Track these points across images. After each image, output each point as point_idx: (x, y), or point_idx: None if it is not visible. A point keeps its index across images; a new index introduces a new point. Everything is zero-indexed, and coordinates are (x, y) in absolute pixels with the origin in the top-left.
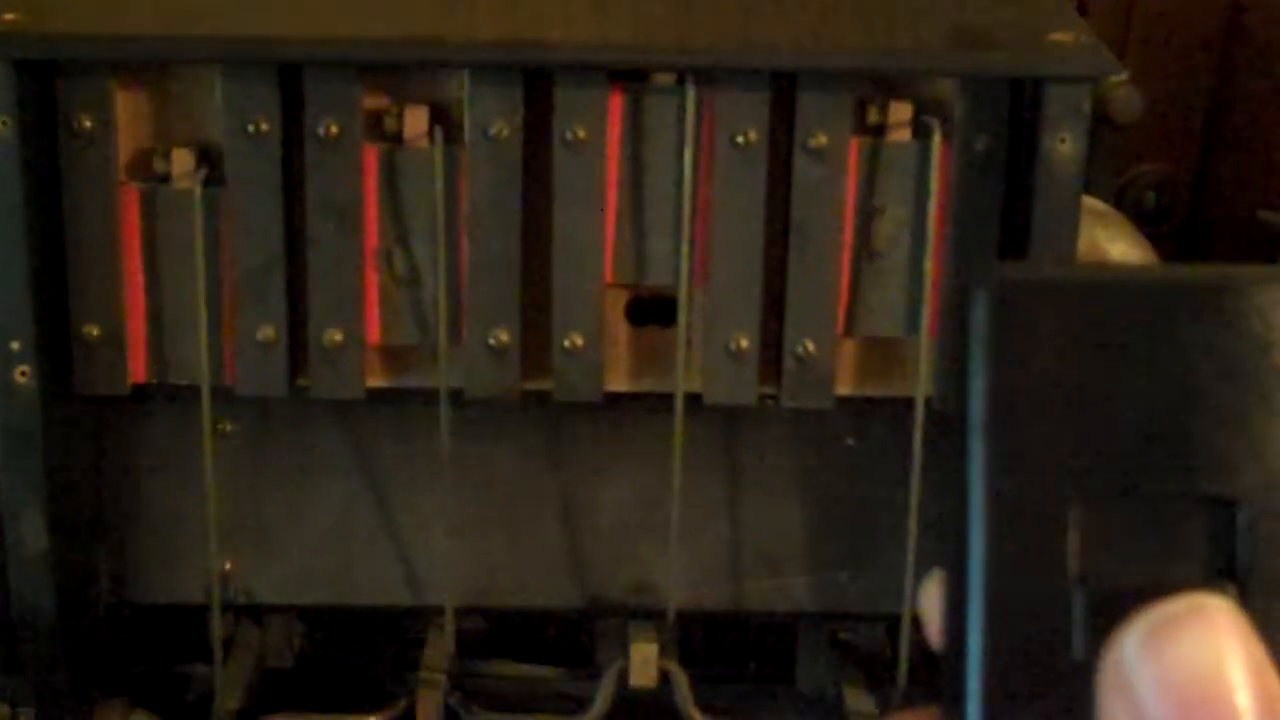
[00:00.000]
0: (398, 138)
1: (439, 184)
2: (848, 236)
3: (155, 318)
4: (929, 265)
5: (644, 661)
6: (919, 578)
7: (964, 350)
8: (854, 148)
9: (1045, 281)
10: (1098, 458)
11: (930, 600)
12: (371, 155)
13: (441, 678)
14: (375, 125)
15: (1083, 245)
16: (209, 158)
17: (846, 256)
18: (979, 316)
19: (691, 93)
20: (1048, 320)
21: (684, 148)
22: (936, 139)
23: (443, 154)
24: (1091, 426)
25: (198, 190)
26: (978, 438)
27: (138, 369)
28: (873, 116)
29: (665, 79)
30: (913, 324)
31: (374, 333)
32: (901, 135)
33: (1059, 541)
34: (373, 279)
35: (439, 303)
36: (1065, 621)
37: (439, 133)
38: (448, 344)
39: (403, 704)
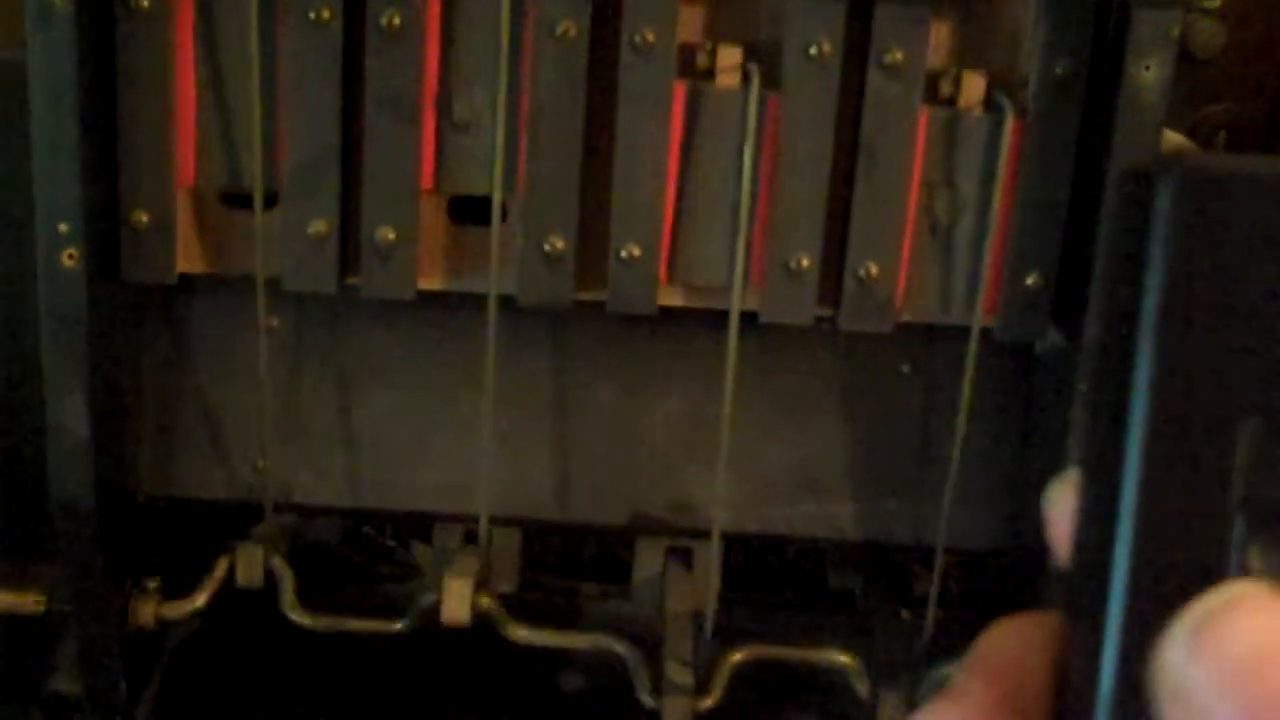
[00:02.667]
0: None
1: (505, 22)
2: (918, 161)
3: (205, 204)
4: (990, 243)
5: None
6: (954, 510)
7: (1140, 243)
8: (924, 118)
9: (1237, 174)
10: (1275, 371)
11: (1060, 503)
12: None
13: (472, 572)
14: None
15: None
16: (272, 41)
17: (915, 180)
18: (1161, 208)
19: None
20: (1236, 218)
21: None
22: (1009, 117)
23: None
24: (1273, 337)
25: (255, 54)
26: (1149, 338)
27: (186, 257)
28: (945, 89)
29: None
30: (970, 302)
31: (428, 179)
32: (974, 109)
33: (1225, 457)
34: (430, 124)
35: (496, 151)
36: (1223, 542)
37: None
38: (500, 242)
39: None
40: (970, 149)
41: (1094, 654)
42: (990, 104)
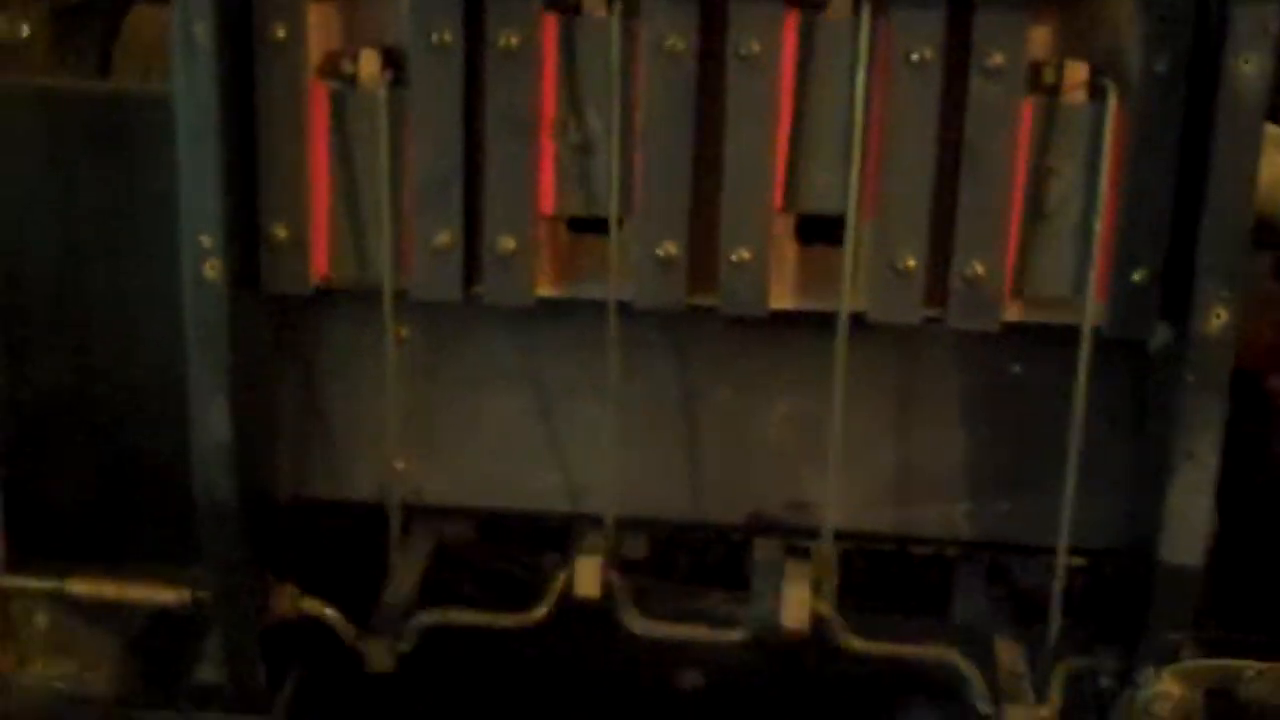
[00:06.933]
0: (576, 8)
1: (614, 50)
2: (1021, 165)
3: (339, 220)
4: (1098, 227)
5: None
6: (1075, 510)
7: None
8: (1028, 108)
9: None
10: None
11: None
12: (551, 24)
13: (600, 551)
14: None
15: (1264, 173)
16: (394, 61)
17: (1020, 182)
18: None
19: (867, 10)
20: None
21: (858, 67)
22: (1111, 101)
23: (619, 25)
24: None
25: (383, 92)
26: None
27: (321, 270)
28: (1048, 77)
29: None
30: (1079, 285)
31: (547, 203)
32: (1077, 97)
33: None
34: (548, 148)
35: (612, 174)
36: None
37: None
38: (620, 252)
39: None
40: (1074, 136)
41: None
42: (1093, 90)
